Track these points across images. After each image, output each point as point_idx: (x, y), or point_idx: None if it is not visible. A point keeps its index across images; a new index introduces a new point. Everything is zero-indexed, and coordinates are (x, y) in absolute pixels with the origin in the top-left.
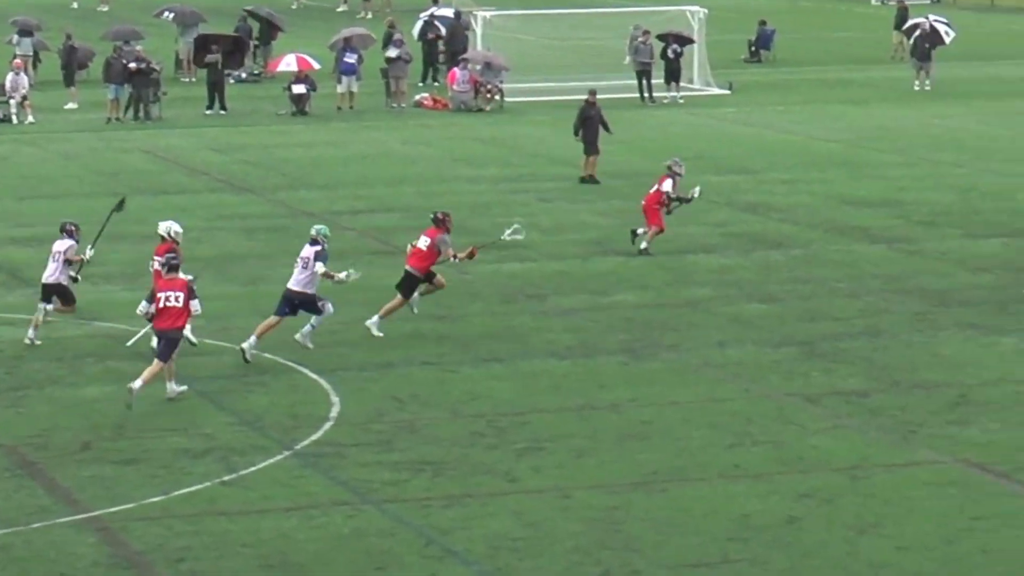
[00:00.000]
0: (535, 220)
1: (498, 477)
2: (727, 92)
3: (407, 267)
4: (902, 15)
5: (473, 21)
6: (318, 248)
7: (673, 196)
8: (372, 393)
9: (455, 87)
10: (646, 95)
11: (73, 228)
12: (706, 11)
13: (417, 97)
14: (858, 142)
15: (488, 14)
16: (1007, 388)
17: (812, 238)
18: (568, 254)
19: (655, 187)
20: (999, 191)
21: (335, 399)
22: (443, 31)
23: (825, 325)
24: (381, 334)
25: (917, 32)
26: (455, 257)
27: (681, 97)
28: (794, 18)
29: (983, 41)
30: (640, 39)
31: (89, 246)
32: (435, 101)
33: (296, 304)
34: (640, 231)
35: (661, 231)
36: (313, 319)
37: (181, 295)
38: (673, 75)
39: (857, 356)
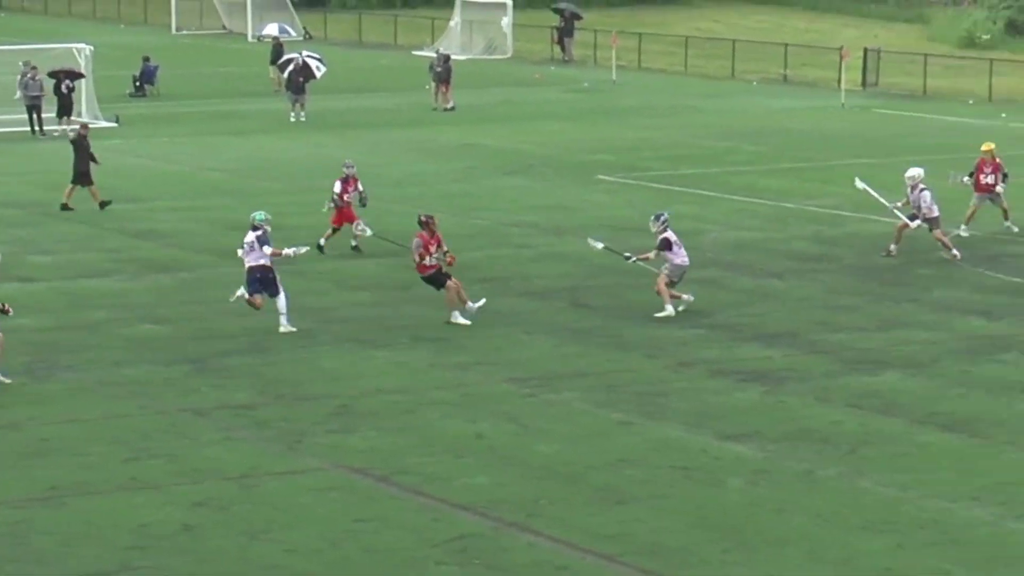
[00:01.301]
0: None
1: None
2: (115, 125)
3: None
4: (277, 51)
5: None
6: (259, 233)
7: (339, 198)
8: None
9: None
10: (37, 128)
11: None
12: (92, 48)
13: None
14: (242, 171)
15: None
16: (383, 398)
17: (200, 262)
18: None
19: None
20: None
21: None
22: None
23: (214, 343)
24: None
25: (291, 67)
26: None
27: (71, 130)
28: (176, 54)
29: (352, 76)
30: (29, 75)
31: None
32: None
33: (258, 278)
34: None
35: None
36: (280, 304)
37: None
38: (65, 109)
39: (245, 372)
